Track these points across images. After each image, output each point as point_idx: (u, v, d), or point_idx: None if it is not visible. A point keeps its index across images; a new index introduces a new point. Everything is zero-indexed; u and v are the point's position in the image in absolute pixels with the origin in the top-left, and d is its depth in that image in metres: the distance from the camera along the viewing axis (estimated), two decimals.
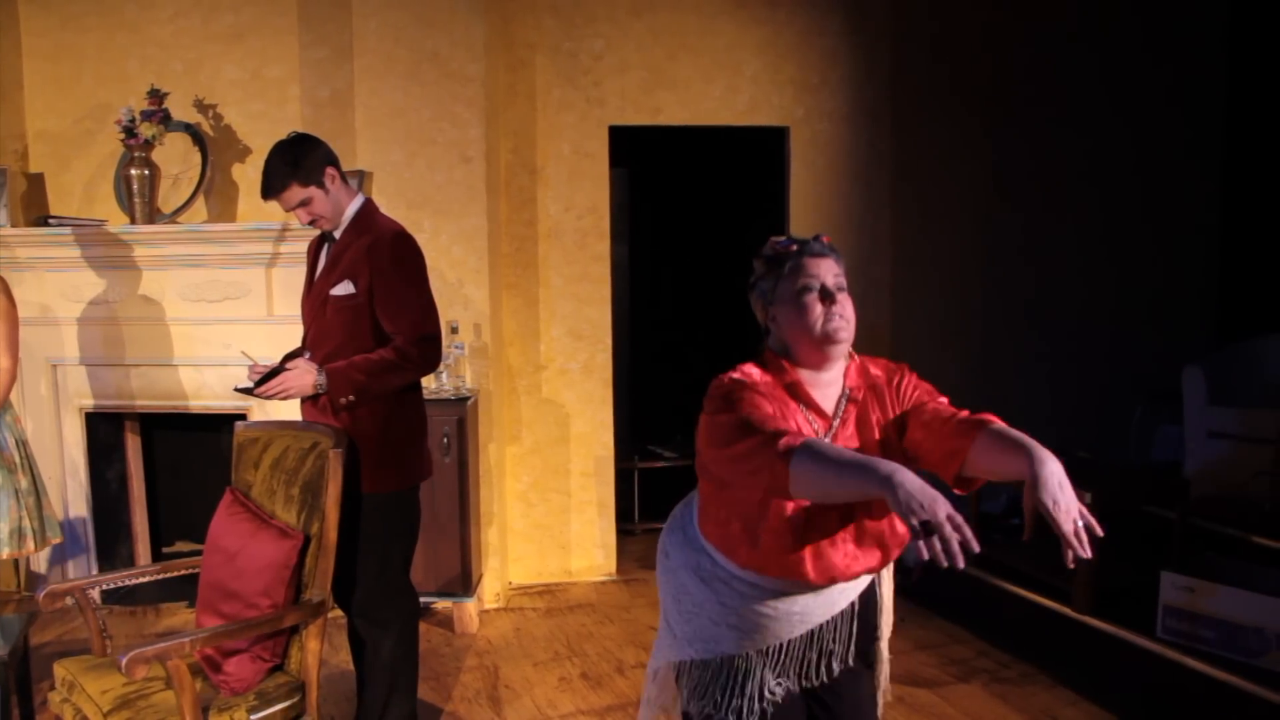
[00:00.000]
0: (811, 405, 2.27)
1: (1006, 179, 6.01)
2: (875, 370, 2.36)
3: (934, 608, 4.91)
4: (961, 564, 1.74)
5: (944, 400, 2.30)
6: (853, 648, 2.38)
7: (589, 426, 5.40)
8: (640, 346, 6.79)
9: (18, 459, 4.22)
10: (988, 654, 4.46)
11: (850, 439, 2.27)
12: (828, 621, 2.33)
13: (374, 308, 3.29)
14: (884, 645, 2.48)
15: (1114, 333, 6.25)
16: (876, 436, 2.29)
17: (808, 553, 2.20)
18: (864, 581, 2.36)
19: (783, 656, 2.33)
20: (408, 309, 3.30)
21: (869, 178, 5.63)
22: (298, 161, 3.25)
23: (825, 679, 2.36)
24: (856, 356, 2.36)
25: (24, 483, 4.21)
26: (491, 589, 5.12)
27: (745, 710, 2.32)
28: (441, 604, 4.83)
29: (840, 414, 2.29)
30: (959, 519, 1.76)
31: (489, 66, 4.97)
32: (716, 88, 5.44)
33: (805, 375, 2.29)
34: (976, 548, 1.76)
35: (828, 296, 2.25)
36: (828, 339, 2.24)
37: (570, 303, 5.34)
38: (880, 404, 2.32)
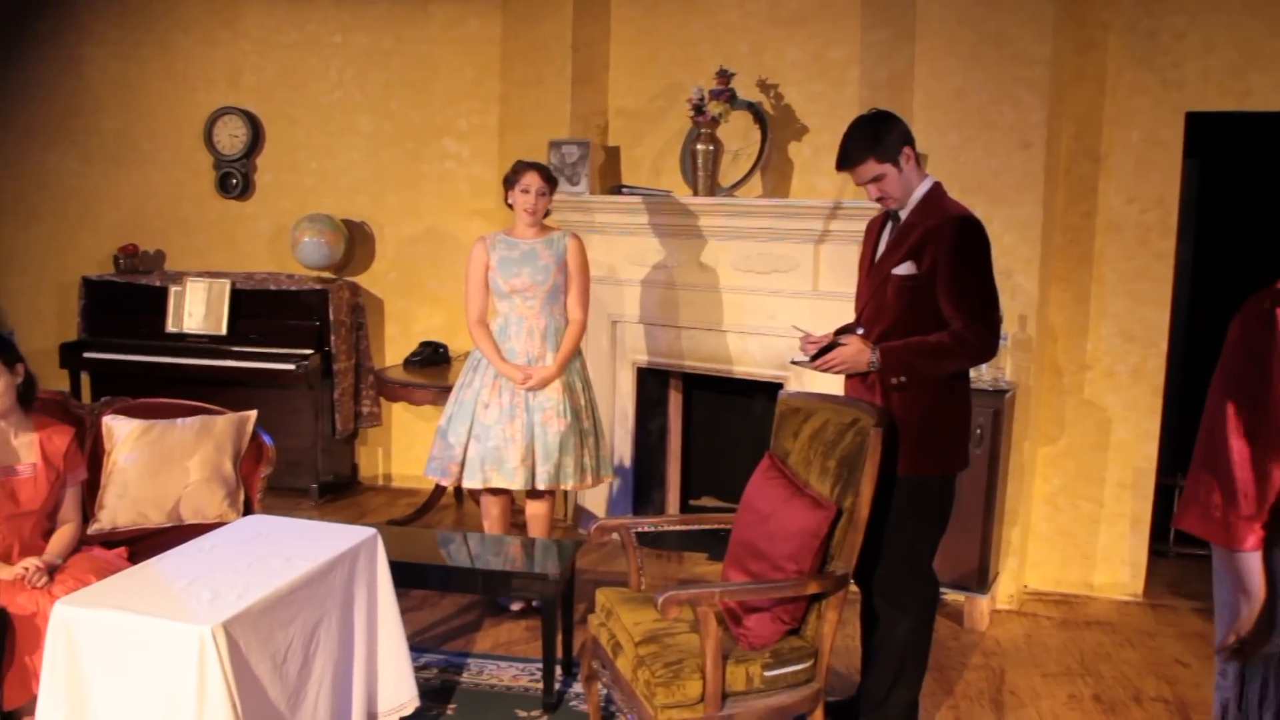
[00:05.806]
0: None
1: None
2: None
3: None
4: None
5: None
6: None
7: (1131, 435, 5.00)
8: (1195, 354, 6.16)
9: (583, 402, 4.70)
10: None
11: None
12: None
13: (935, 290, 3.26)
14: None
15: None
16: None
17: None
18: None
19: None
20: (970, 295, 3.24)
21: None
22: (878, 137, 3.29)
23: None
24: None
25: (587, 424, 4.68)
26: (1005, 589, 4.95)
27: None
28: (953, 596, 4.75)
29: None
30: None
31: (1056, 48, 4.72)
32: None
33: None
34: None
35: None
36: None
37: (1124, 301, 4.96)
38: None
